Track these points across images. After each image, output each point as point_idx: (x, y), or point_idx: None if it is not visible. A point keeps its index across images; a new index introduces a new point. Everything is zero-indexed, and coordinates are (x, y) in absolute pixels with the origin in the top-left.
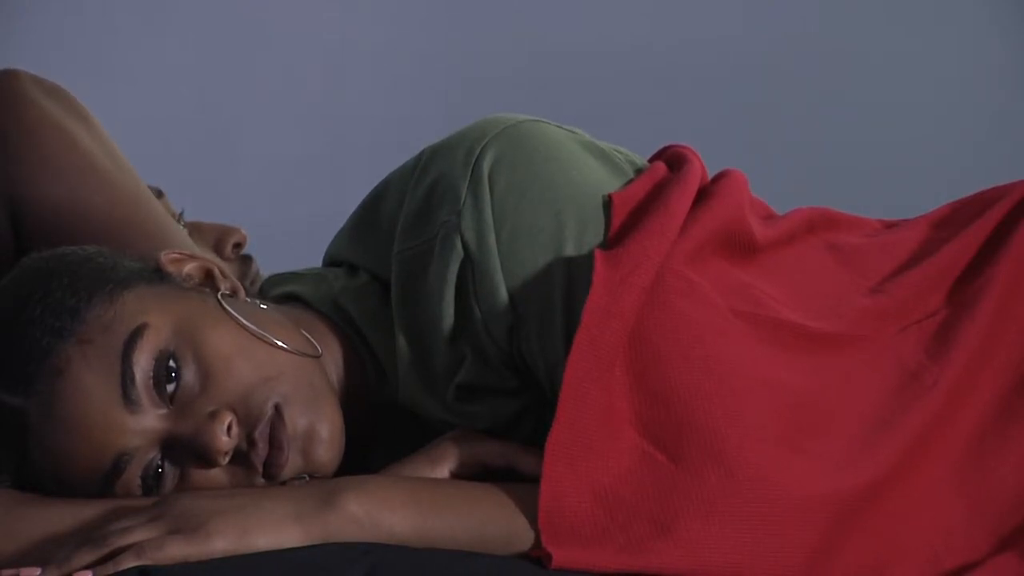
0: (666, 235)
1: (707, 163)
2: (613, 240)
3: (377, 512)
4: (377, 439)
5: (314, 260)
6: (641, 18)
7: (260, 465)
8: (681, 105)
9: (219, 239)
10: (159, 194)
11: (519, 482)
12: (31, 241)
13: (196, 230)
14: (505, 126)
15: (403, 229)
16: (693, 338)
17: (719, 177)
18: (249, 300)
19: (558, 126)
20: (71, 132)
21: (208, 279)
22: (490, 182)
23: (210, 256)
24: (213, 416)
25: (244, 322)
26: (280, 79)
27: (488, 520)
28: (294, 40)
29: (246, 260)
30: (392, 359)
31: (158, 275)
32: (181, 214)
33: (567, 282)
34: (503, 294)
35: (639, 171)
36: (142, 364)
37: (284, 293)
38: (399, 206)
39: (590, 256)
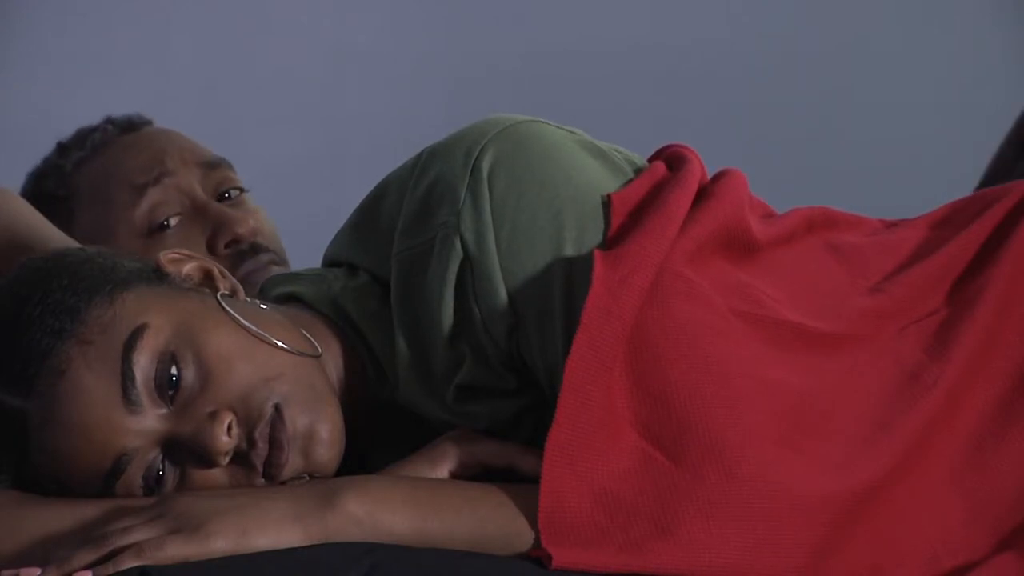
0: (665, 235)
1: (706, 163)
2: (612, 240)
3: (377, 512)
4: (377, 439)
5: (314, 260)
6: (640, 18)
7: (260, 465)
8: (680, 105)
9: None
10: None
11: (519, 482)
12: None
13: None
14: (504, 126)
15: (402, 230)
16: (693, 338)
17: (718, 176)
18: (249, 300)
19: (557, 126)
20: None
21: (207, 279)
22: (489, 182)
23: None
24: (213, 416)
25: (244, 322)
26: (279, 79)
27: (488, 520)
28: (294, 40)
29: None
30: (392, 359)
31: (157, 275)
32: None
33: (567, 282)
34: (502, 295)
35: (638, 171)
36: (142, 364)
37: (284, 293)
38: (398, 206)
39: (589, 256)
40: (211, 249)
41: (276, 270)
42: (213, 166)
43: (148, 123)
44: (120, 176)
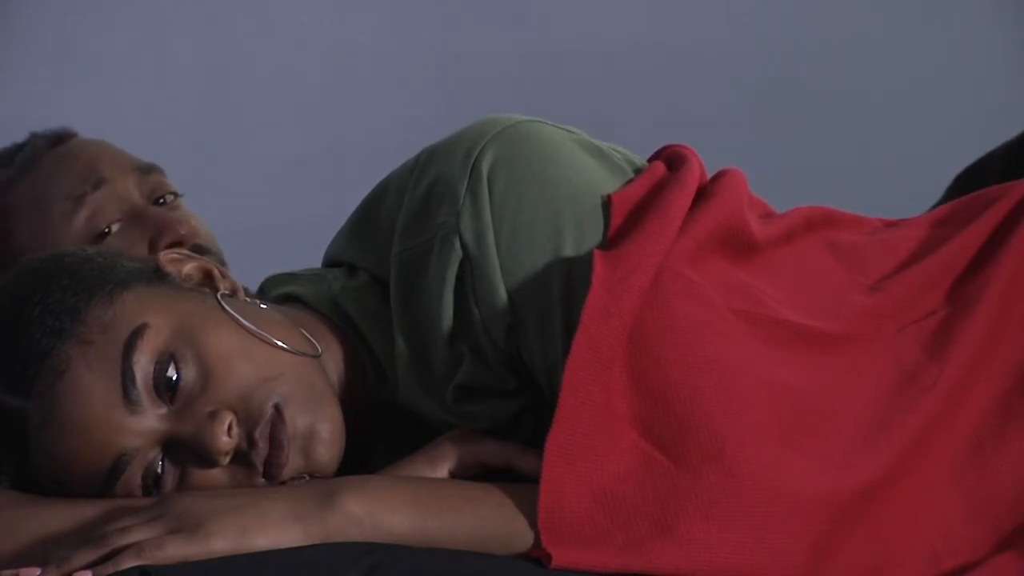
0: (665, 235)
1: (706, 163)
2: (612, 240)
3: (377, 512)
4: (377, 439)
5: (314, 260)
6: (640, 18)
7: (260, 465)
8: (680, 105)
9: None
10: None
11: (518, 482)
12: None
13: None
14: (504, 126)
15: (402, 230)
16: (692, 338)
17: (718, 176)
18: (248, 300)
19: (556, 126)
20: None
21: (207, 279)
22: (489, 182)
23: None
24: (213, 416)
25: (244, 322)
26: (280, 79)
27: (488, 520)
28: (294, 40)
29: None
30: (392, 359)
31: (157, 275)
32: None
33: (566, 282)
34: (502, 294)
35: (638, 171)
36: (142, 364)
37: (284, 293)
38: (398, 206)
39: (589, 256)
40: (152, 252)
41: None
42: (147, 171)
43: (74, 135)
44: (56, 188)
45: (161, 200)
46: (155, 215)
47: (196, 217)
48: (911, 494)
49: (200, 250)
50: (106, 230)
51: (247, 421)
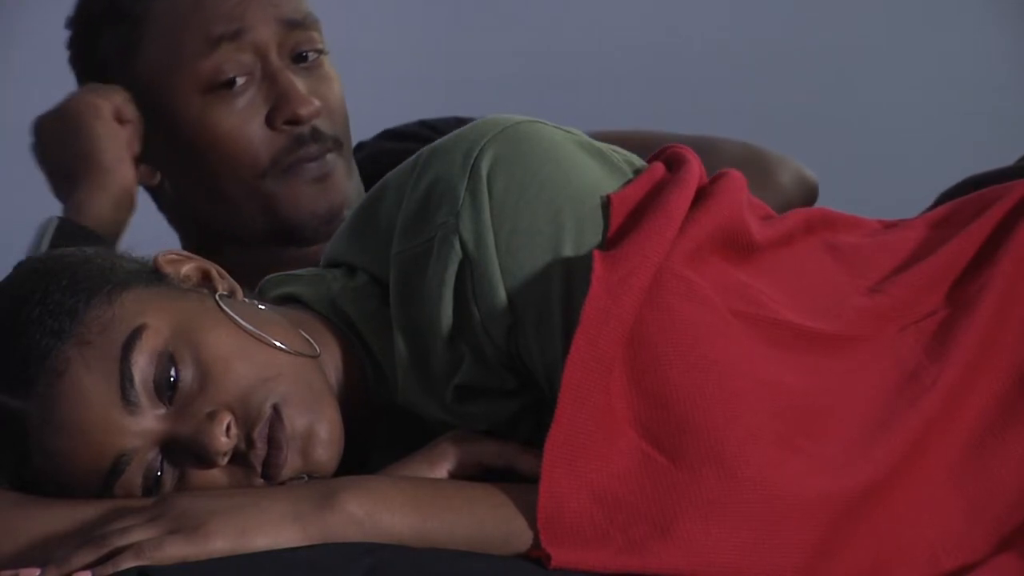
0: (665, 236)
1: None
2: (612, 241)
3: (376, 512)
4: (376, 440)
5: None
6: (640, 18)
7: (259, 465)
8: (680, 105)
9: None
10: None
11: (518, 483)
12: None
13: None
14: (504, 127)
15: (401, 230)
16: (692, 339)
17: (717, 177)
18: (247, 301)
19: (556, 127)
20: None
21: (206, 280)
22: (488, 183)
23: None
24: (212, 417)
25: (242, 323)
26: None
27: (487, 520)
28: None
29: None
30: (391, 360)
31: (156, 276)
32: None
33: (566, 283)
34: (502, 295)
35: (637, 172)
36: (141, 365)
37: (283, 294)
38: (397, 207)
39: (588, 257)
40: (269, 122)
41: (330, 159)
42: (294, 25)
43: None
44: (198, 20)
45: (303, 56)
46: (285, 83)
47: (333, 83)
48: (911, 495)
49: (317, 134)
50: (231, 81)
51: (245, 421)
